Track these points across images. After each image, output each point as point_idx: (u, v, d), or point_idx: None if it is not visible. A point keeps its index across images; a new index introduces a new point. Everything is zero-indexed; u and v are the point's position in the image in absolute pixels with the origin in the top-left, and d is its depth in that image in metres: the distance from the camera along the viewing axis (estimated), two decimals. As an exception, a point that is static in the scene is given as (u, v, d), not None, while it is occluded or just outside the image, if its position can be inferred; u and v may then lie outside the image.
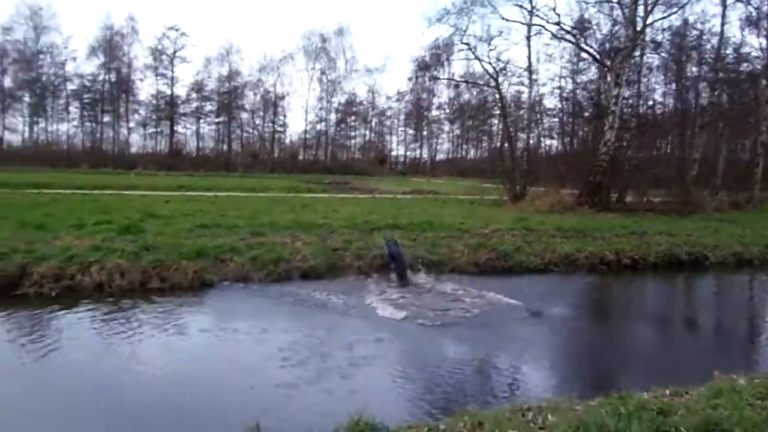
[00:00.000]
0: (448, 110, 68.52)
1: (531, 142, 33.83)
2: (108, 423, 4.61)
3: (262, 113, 62.29)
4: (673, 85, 32.69)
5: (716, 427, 3.57)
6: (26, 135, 55.58)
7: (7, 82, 53.99)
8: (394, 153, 70.51)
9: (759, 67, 31.83)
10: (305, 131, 63.67)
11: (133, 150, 58.74)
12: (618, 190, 23.11)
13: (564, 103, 39.63)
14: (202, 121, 60.98)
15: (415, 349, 6.71)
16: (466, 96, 63.85)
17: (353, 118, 66.60)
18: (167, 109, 58.38)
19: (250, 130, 62.82)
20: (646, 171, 24.44)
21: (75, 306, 7.81)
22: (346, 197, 23.89)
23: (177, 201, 18.83)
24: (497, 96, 29.12)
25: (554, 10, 25.69)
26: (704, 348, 7.51)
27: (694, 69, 31.02)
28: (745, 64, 32.61)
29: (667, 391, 4.50)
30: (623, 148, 24.55)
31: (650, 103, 32.97)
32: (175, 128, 59.25)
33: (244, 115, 61.79)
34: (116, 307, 7.87)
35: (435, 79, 56.24)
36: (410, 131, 70.39)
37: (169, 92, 58.32)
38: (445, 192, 29.88)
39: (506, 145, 26.69)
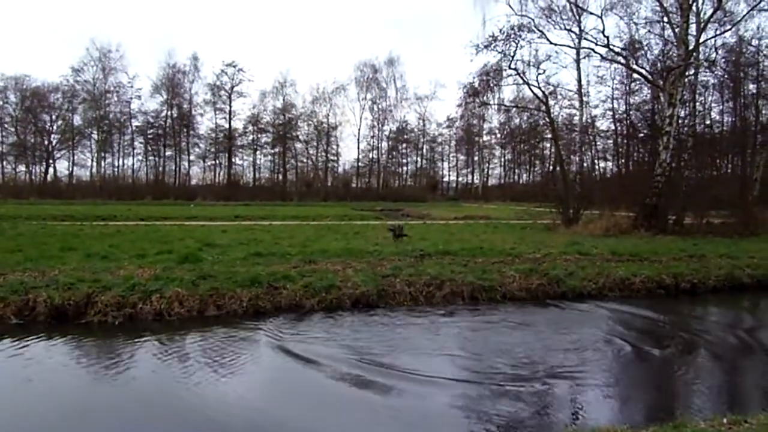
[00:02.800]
0: (499, 135, 68.45)
1: (584, 164, 33.51)
2: None
3: (315, 143, 63.79)
4: (731, 103, 31.80)
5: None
6: (94, 170, 58.54)
7: (77, 120, 57.30)
8: (445, 179, 70.81)
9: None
10: (357, 159, 64.87)
11: (194, 182, 61.43)
12: (675, 212, 22.50)
13: (617, 124, 39.08)
14: (258, 152, 63.16)
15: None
16: (517, 120, 63.75)
17: (404, 145, 67.32)
18: (225, 141, 60.65)
19: (304, 160, 64.33)
20: (705, 191, 23.67)
21: (136, 333, 8.21)
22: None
23: (233, 230, 19.43)
24: (547, 119, 28.98)
25: (603, 32, 25.49)
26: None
27: (752, 86, 30.12)
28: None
29: (725, 420, 4.42)
30: (680, 168, 23.98)
31: (707, 122, 32.19)
32: (232, 160, 61.43)
33: (298, 146, 63.43)
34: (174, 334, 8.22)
35: (484, 104, 56.44)
36: (461, 157, 70.58)
37: (227, 126, 60.78)
38: (496, 217, 29.73)
39: (558, 168, 26.44)
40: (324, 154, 64.00)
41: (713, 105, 33.47)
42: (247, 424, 5.30)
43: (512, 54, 25.32)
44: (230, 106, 60.28)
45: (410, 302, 10.59)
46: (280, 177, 63.11)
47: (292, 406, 5.81)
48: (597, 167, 37.95)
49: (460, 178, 71.33)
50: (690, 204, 22.70)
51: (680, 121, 24.61)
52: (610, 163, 39.58)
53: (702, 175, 26.77)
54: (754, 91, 30.60)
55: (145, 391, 6.17)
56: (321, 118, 62.94)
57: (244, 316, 9.33)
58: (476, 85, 27.03)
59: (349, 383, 6.34)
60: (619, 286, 11.96)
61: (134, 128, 59.81)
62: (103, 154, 58.37)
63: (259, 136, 62.70)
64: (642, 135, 31.06)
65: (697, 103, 29.60)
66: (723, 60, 28.96)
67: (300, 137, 63.53)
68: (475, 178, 70.25)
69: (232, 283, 10.00)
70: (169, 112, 59.46)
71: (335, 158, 64.99)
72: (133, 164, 60.40)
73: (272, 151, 63.52)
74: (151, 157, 60.67)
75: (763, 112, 30.33)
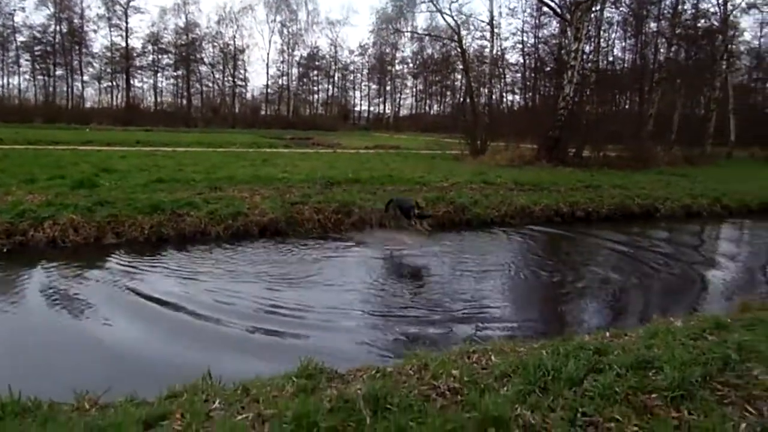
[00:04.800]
0: (411, 65, 67.99)
1: (493, 97, 34.02)
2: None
3: (221, 67, 60.85)
4: (633, 41, 32.95)
5: (647, 364, 3.76)
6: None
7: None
8: (357, 108, 69.96)
9: (716, 23, 32.27)
10: (267, 86, 62.63)
11: (88, 105, 57.17)
12: (576, 145, 23.46)
13: (526, 58, 39.70)
14: (159, 75, 59.45)
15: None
16: (430, 50, 63.42)
17: (315, 72, 65.58)
18: (122, 61, 56.63)
19: (210, 85, 61.45)
20: (604, 126, 24.82)
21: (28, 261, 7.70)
22: (308, 152, 23.69)
23: (133, 156, 18.44)
24: (459, 50, 28.98)
25: (516, -38, 25.40)
26: (651, 293, 7.83)
27: (653, 25, 31.29)
28: (703, 21, 33.03)
29: (608, 333, 4.70)
30: (582, 103, 24.85)
31: (610, 58, 33.29)
32: (131, 82, 57.57)
33: (203, 69, 60.33)
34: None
35: (397, 32, 55.86)
36: (374, 86, 69.73)
37: (123, 44, 56.40)
38: (407, 147, 29.87)
39: (468, 100, 26.69)
40: (231, 78, 61.30)
41: (616, 42, 34.58)
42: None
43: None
44: (126, 23, 55.97)
45: (319, 229, 10.52)
46: (184, 102, 60.04)
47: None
48: (505, 100, 38.73)
49: (372, 108, 70.71)
50: (589, 137, 23.73)
51: (584, 57, 25.29)
52: (518, 97, 40.34)
53: (602, 111, 27.95)
54: (655, 29, 31.82)
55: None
56: (227, 40, 59.93)
57: (146, 243, 8.94)
58: (389, 10, 26.45)
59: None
60: (520, 213, 12.41)
61: (19, 44, 54.43)
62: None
63: (159, 57, 58.85)
64: (549, 69, 31.73)
65: (601, 40, 30.44)
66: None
67: (205, 60, 60.36)
68: (386, 108, 69.98)
69: (132, 210, 9.53)
70: (57, 27, 54.41)
71: (243, 83, 62.51)
72: (19, 84, 55.23)
73: (175, 73, 59.92)
74: (39, 77, 55.73)
75: (661, 50, 31.68)
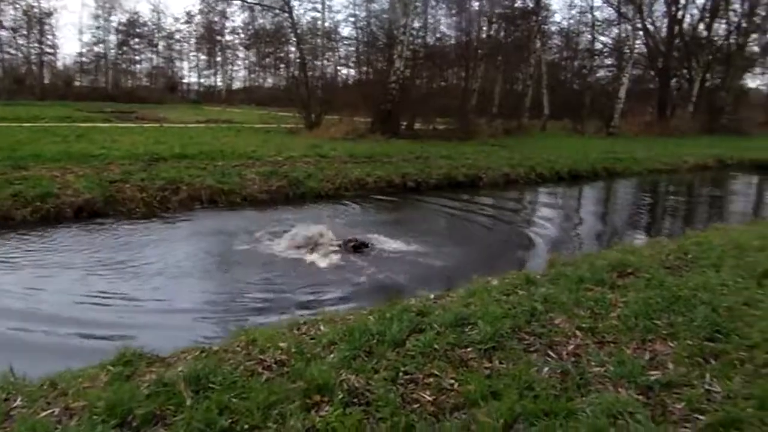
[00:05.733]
0: (242, 35, 65.60)
1: (327, 70, 34.00)
2: None
3: (26, 32, 54.27)
4: (457, 18, 34.49)
5: (465, 321, 4.01)
6: None
7: None
8: (186, 81, 66.11)
9: (531, 4, 34.84)
10: (80, 54, 56.96)
11: None
12: (407, 118, 24.28)
13: (359, 31, 40.07)
14: (-53, 39, 51.60)
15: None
16: (261, 20, 61.57)
17: (137, 40, 60.76)
18: None
19: (13, 51, 54.50)
20: (433, 100, 25.94)
21: None
22: (130, 126, 22.05)
23: None
24: (290, 21, 28.47)
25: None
26: (480, 253, 8.35)
27: (476, 3, 32.94)
28: (519, 2, 35.44)
29: (432, 296, 4.93)
30: (413, 78, 25.69)
31: (438, 35, 34.65)
32: None
33: (4, 34, 53.33)
34: None
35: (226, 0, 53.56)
36: (203, 57, 66.22)
37: None
38: (240, 121, 28.97)
39: (301, 73, 26.40)
40: (37, 45, 54.92)
41: (442, 18, 36.01)
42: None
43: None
44: None
45: (144, 208, 9.90)
46: (-18, 71, 52.96)
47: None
48: (340, 74, 38.91)
49: (202, 80, 67.12)
50: (420, 111, 24.68)
51: (413, 33, 26.06)
52: (352, 71, 40.67)
53: (432, 85, 29.16)
54: (477, 8, 33.56)
55: None
56: (31, 1, 53.54)
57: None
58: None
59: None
60: (354, 185, 12.65)
61: None
62: None
63: (-52, 18, 51.27)
64: (380, 44, 32.33)
65: (429, 16, 31.56)
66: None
67: (5, 23, 53.45)
68: (218, 80, 67.07)
69: None
70: None
71: (52, 51, 56.29)
72: None
73: (-31, 38, 52.57)
74: None
75: (483, 28, 33.52)
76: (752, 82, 48.94)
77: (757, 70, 44.92)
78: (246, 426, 2.73)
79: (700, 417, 2.84)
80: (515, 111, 31.92)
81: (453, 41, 35.97)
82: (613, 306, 4.40)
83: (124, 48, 59.80)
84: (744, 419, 2.77)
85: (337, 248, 7.71)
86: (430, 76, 30.37)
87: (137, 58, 61.61)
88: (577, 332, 3.91)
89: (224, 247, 8.10)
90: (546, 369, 3.38)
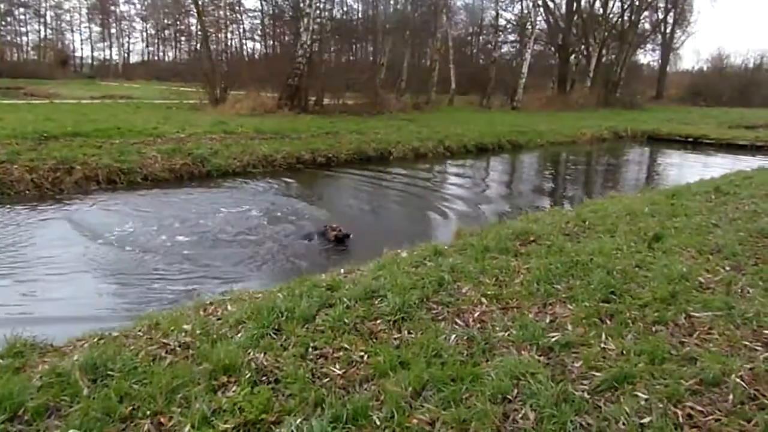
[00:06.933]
0: (139, 5, 62.28)
1: (232, 43, 32.88)
2: None
3: None
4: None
5: (374, 294, 4.03)
6: None
7: None
8: (78, 54, 62.13)
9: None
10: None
11: None
12: (316, 93, 23.95)
13: (264, 4, 38.91)
14: None
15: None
16: (159, -9, 58.68)
17: (21, 10, 56.31)
18: None
19: None
20: (342, 74, 25.71)
21: None
22: (17, 103, 20.48)
23: None
24: (191, -9, 27.22)
25: None
26: (396, 225, 8.42)
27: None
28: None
29: (342, 270, 4.92)
30: (320, 52, 25.32)
31: (345, 8, 34.29)
32: None
33: None
34: None
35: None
36: (96, 28, 62.36)
37: None
38: (139, 96, 27.62)
39: (204, 46, 25.37)
40: None
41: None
42: None
43: None
44: None
45: (34, 191, 9.29)
46: None
47: None
48: (245, 47, 37.71)
49: (96, 53, 63.34)
50: (329, 85, 24.39)
51: (320, 5, 25.61)
52: (258, 44, 39.52)
53: (340, 59, 28.85)
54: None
55: None
56: None
57: None
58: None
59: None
60: (262, 162, 12.39)
61: None
62: None
63: None
64: (287, 17, 31.58)
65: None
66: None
67: None
68: (114, 53, 63.45)
69: None
70: None
71: None
72: None
73: None
74: None
75: (391, 2, 33.46)
76: (644, 58, 52.06)
77: (648, 46, 47.74)
78: (148, 412, 2.63)
79: (597, 374, 2.99)
80: (423, 85, 32.24)
81: (360, 15, 35.78)
82: (517, 273, 4.56)
83: (8, 18, 55.22)
84: (636, 374, 2.95)
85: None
86: (338, 50, 30.06)
87: (23, 29, 57.12)
88: (483, 299, 4.02)
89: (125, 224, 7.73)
90: (453, 336, 3.46)
